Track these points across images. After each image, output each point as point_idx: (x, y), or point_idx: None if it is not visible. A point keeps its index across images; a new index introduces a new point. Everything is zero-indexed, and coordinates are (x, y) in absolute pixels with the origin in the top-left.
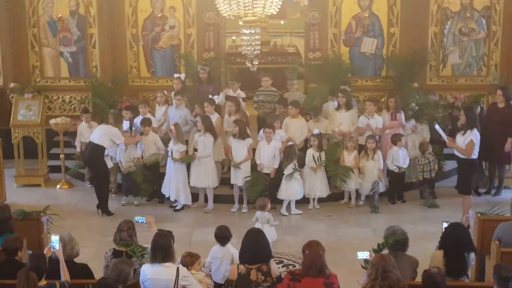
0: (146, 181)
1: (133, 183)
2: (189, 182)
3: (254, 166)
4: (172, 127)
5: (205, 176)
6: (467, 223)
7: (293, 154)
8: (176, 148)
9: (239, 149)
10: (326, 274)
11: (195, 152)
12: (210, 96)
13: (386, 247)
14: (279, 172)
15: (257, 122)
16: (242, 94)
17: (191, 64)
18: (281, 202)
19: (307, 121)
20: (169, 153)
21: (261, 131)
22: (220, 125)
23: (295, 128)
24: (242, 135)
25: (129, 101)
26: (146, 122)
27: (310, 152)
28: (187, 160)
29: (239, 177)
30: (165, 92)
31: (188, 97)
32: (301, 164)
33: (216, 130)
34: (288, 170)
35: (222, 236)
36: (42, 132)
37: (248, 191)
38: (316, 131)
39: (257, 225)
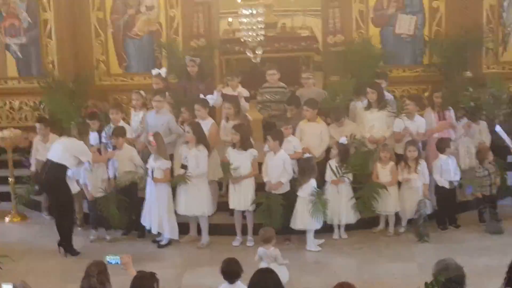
0: (121, 209)
1: (103, 213)
2: (175, 210)
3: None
4: (151, 138)
5: (197, 201)
6: None
7: (311, 169)
8: (158, 165)
9: (241, 163)
10: None
11: (187, 172)
12: (201, 96)
13: (437, 287)
14: (293, 193)
15: (262, 129)
16: (244, 92)
17: (176, 56)
18: (296, 232)
19: (328, 125)
20: (149, 172)
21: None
22: (216, 133)
23: (313, 134)
24: (244, 145)
25: (96, 106)
26: (119, 132)
27: (333, 164)
28: (177, 182)
29: (241, 200)
30: (142, 93)
31: (173, 98)
32: (321, 182)
33: (210, 140)
34: (304, 191)
35: (231, 272)
36: None
37: (257, 217)
38: (343, 140)
39: (262, 265)
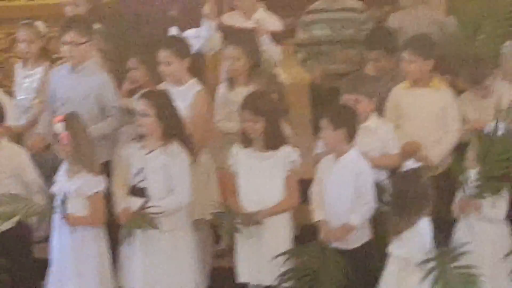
0: None
1: None
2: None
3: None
4: (61, 126)
5: (170, 268)
6: None
7: (419, 197)
8: (76, 187)
9: (262, 180)
10: None
11: (146, 204)
12: (173, 30)
13: None
14: (375, 247)
15: (310, 104)
16: (270, 22)
17: None
18: None
19: (458, 93)
20: (58, 202)
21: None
22: (207, 113)
23: (425, 114)
24: (270, 140)
25: None
26: None
27: (472, 176)
28: (130, 228)
29: (261, 264)
30: (40, 25)
31: (109, 36)
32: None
33: (195, 129)
34: (403, 246)
35: None
36: None
37: None
38: (491, 127)
39: None
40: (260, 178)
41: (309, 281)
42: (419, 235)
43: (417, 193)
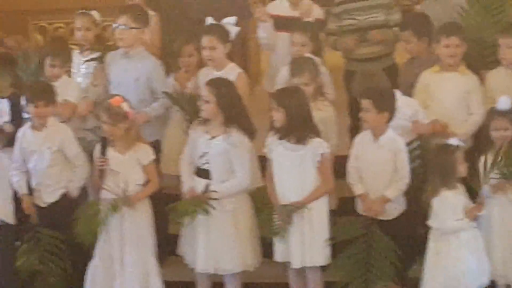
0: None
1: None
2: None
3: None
4: (125, 105)
5: (229, 246)
6: None
7: (448, 167)
8: (135, 159)
9: (294, 170)
10: None
11: (210, 187)
12: (209, 20)
13: None
14: (412, 218)
15: (346, 89)
16: (316, 9)
17: None
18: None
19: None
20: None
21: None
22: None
23: (451, 95)
24: (296, 133)
25: (2, 41)
26: (39, 92)
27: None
28: (191, 210)
29: (302, 246)
30: (95, 14)
31: (165, 22)
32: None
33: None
34: (441, 217)
35: None
36: None
37: (336, 270)
38: None
39: None
40: (292, 168)
41: (362, 255)
42: (446, 206)
43: (448, 164)
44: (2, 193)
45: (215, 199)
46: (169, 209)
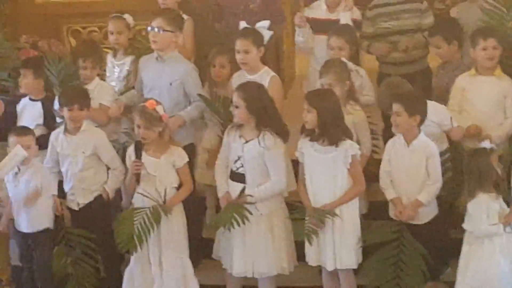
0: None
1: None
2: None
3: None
4: (159, 108)
5: (265, 249)
6: None
7: (484, 170)
8: (170, 162)
9: (325, 173)
10: None
11: (245, 194)
12: (243, 24)
13: None
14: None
15: (382, 93)
16: (354, 10)
17: None
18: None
19: None
20: (153, 192)
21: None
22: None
23: (487, 99)
24: (327, 135)
25: (38, 46)
26: (73, 95)
27: None
28: (228, 218)
29: (333, 249)
30: (128, 18)
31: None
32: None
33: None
34: (476, 221)
35: None
36: None
37: (367, 275)
38: None
39: None
40: (323, 171)
41: (394, 260)
42: (481, 209)
43: (480, 168)
44: (46, 199)
45: (252, 203)
46: (211, 223)
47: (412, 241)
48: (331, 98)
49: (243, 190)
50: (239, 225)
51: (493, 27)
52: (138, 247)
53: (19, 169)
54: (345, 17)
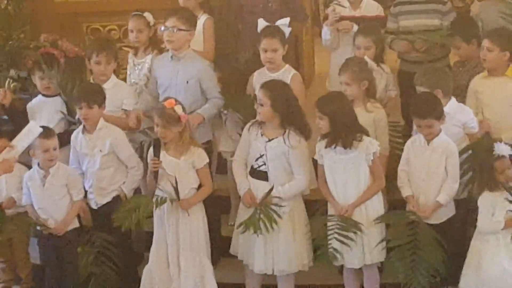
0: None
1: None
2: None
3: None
4: (177, 108)
5: (288, 247)
6: None
7: (491, 168)
8: (189, 163)
9: (346, 174)
10: None
11: (273, 192)
12: (262, 21)
13: None
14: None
15: (400, 92)
16: (376, 7)
17: None
18: None
19: None
20: (170, 188)
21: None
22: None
23: (500, 100)
24: (342, 139)
25: (58, 44)
26: (88, 94)
27: None
28: (256, 220)
29: (357, 247)
30: (148, 16)
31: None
32: None
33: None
34: (486, 220)
35: None
36: None
37: (389, 271)
38: None
39: None
40: (346, 171)
41: (399, 254)
42: (486, 206)
43: (487, 166)
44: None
45: (282, 206)
46: (239, 227)
47: (428, 241)
48: (341, 102)
49: (270, 190)
50: (267, 230)
51: (503, 30)
52: (154, 244)
53: (45, 171)
54: (371, 7)
